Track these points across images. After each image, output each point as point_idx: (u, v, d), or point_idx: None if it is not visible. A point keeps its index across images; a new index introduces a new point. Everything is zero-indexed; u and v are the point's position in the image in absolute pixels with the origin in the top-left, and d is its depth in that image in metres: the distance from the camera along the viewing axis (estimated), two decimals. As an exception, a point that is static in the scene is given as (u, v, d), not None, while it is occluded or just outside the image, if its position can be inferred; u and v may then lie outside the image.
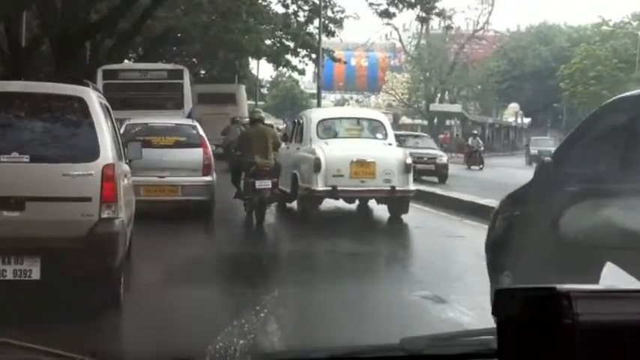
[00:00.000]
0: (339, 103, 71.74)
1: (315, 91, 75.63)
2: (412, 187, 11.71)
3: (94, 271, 5.47)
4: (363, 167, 11.42)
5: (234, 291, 6.70)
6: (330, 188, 11.25)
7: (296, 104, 57.55)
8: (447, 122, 58.86)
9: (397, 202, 11.68)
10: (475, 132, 32.28)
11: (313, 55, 29.80)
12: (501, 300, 1.35)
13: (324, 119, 12.52)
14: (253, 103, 53.31)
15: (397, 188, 11.37)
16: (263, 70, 66.43)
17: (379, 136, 12.34)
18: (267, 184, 11.05)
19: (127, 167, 7.06)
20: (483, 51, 58.96)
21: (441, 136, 48.19)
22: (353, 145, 11.89)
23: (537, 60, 58.35)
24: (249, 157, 11.32)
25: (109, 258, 5.57)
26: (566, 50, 56.69)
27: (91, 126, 5.73)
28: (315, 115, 12.55)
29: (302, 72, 33.18)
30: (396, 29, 60.95)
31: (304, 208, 11.76)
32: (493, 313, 1.34)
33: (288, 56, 30.21)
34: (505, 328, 1.33)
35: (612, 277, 1.67)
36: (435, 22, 59.95)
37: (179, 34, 32.39)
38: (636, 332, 1.23)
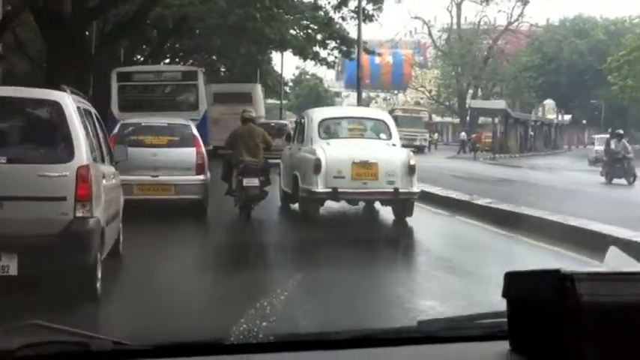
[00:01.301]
0: (365, 102, 71.81)
1: (339, 89, 75.70)
2: (416, 188, 11.75)
3: (69, 268, 5.87)
4: (365, 168, 11.50)
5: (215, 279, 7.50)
6: (330, 190, 11.33)
7: (320, 103, 57.73)
8: (480, 120, 58.57)
9: (401, 204, 11.72)
10: (620, 132, 24.36)
11: (343, 47, 28.79)
12: (511, 282, 1.47)
13: (326, 119, 12.64)
14: (277, 102, 53.58)
15: (401, 190, 11.41)
16: (286, 67, 66.34)
17: (383, 136, 12.42)
18: (253, 182, 11.72)
19: (109, 168, 7.54)
20: (516, 45, 58.57)
21: (473, 135, 47.66)
22: (355, 145, 11.97)
23: (574, 54, 57.77)
24: (239, 155, 12.06)
25: (83, 255, 5.99)
26: (603, 43, 56.07)
27: (67, 129, 6.12)
28: (316, 115, 12.68)
29: (331, 65, 31.97)
30: (426, 23, 61.05)
31: (305, 209, 11.88)
32: (503, 295, 1.45)
33: (316, 48, 29.09)
34: (515, 309, 1.46)
35: (614, 260, 1.79)
36: (463, 17, 60.01)
37: (197, 30, 31.90)
38: (636, 312, 1.35)
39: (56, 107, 6.22)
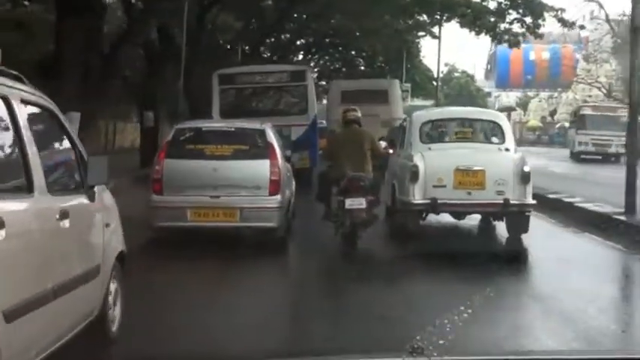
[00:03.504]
0: (522, 102, 69.84)
1: (488, 89, 73.45)
2: (531, 200, 11.27)
3: None
4: (469, 176, 11.17)
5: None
6: (429, 201, 11.06)
7: (471, 102, 56.72)
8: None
9: (514, 218, 11.31)
10: None
11: (527, 19, 24.98)
12: None
13: (429, 121, 12.43)
14: (425, 103, 53.07)
15: (512, 201, 11.01)
16: (433, 61, 65.50)
17: (495, 140, 12.07)
18: (359, 202, 10.10)
19: (57, 201, 4.71)
20: None
21: None
22: (460, 150, 11.70)
23: None
24: (340, 168, 10.63)
25: None
26: None
27: None
28: (418, 117, 12.45)
29: (515, 43, 27.26)
30: (602, 6, 58.43)
31: (401, 224, 11.68)
32: None
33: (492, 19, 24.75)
34: None
35: None
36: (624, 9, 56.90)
37: (332, 19, 30.72)
38: None
39: None
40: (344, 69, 44.50)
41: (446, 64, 66.58)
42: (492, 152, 11.72)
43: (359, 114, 11.46)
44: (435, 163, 11.24)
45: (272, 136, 10.77)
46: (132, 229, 10.01)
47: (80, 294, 4.91)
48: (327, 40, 39.18)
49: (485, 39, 26.89)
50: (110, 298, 5.66)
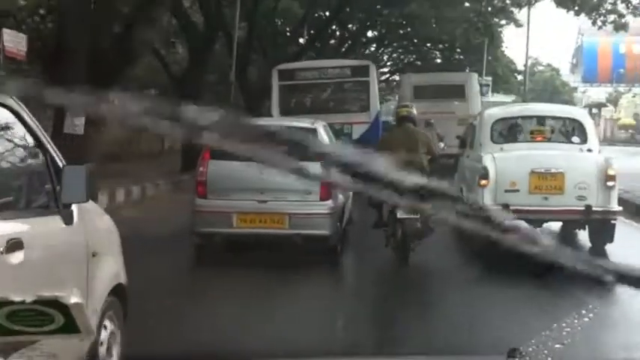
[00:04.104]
0: (612, 98, 67.54)
1: (577, 84, 71.49)
2: (616, 206, 10.58)
3: None
4: (546, 180, 10.52)
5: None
6: (500, 207, 10.28)
7: (556, 98, 55.02)
8: None
9: (597, 226, 10.63)
10: None
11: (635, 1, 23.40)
12: None
13: (502, 119, 11.72)
14: (505, 99, 51.60)
15: (594, 208, 10.34)
16: (517, 53, 64.15)
17: (576, 139, 11.32)
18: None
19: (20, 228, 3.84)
20: None
21: None
22: (536, 151, 11.00)
23: None
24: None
25: None
26: None
27: None
28: (490, 114, 11.78)
29: (621, 26, 25.54)
30: None
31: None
32: None
33: None
34: None
35: None
36: None
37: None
38: None
39: None
40: (418, 62, 43.54)
41: (529, 57, 65.03)
42: (572, 153, 11.00)
43: (414, 111, 10.69)
44: (507, 165, 10.61)
45: (324, 136, 10.19)
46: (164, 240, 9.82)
47: (49, 348, 3.65)
48: (401, 31, 38.30)
49: (571, 30, 25.64)
50: (101, 346, 4.57)
